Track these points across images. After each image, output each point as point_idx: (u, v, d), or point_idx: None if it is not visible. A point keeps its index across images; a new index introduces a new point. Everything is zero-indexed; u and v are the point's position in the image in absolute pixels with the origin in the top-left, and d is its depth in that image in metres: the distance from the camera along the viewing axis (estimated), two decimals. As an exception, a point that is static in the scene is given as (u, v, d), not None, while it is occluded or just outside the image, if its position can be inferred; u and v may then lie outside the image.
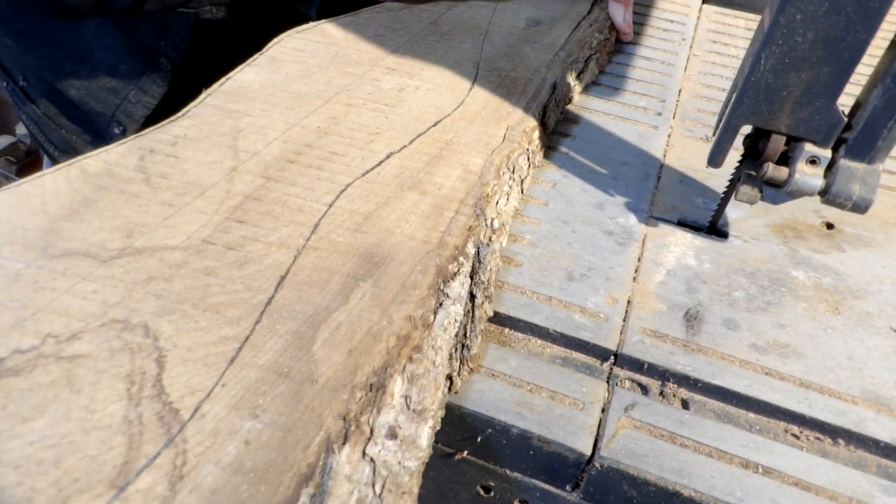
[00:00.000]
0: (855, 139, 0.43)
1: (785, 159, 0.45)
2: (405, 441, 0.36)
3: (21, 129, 2.22)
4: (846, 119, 0.43)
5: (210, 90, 0.56)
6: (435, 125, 0.55)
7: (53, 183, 0.45)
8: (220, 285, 0.40)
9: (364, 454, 0.34)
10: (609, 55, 0.76)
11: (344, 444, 0.33)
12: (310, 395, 0.34)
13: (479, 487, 0.45)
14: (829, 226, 0.55)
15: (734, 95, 0.44)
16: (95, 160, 0.47)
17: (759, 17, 0.91)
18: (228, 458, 0.31)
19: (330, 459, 0.32)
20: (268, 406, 0.33)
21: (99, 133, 0.95)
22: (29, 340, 0.35)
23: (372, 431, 0.34)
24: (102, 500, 0.29)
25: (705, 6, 0.93)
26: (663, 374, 0.42)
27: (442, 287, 0.41)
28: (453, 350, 0.41)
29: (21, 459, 0.30)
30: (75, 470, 0.30)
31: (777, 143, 0.44)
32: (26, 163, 2.23)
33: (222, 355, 0.36)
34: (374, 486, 0.33)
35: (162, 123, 0.52)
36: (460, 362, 0.42)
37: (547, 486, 0.42)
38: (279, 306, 0.39)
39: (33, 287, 0.38)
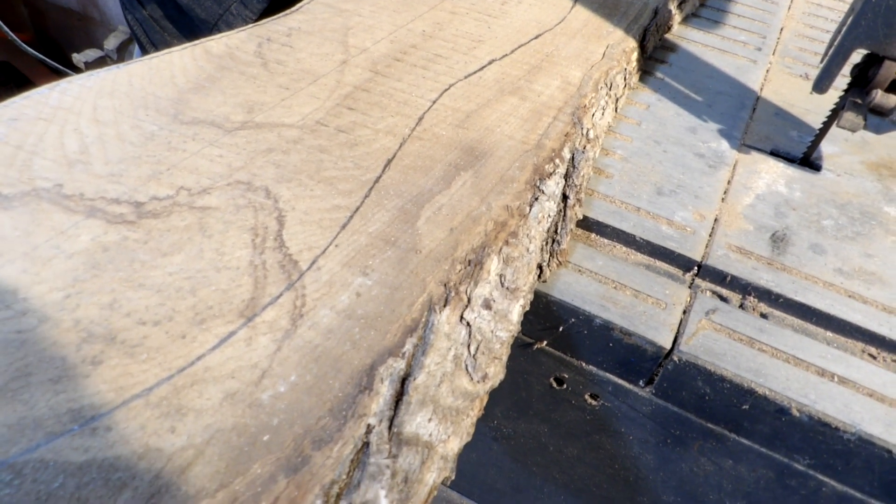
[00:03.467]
0: (973, 71, 0.42)
1: (894, 88, 0.45)
2: (498, 313, 0.38)
3: (108, 44, 2.30)
4: (967, 49, 0.42)
5: (321, -11, 0.58)
6: (536, 38, 0.56)
7: (181, 59, 0.48)
8: (332, 162, 0.42)
9: (462, 318, 0.36)
10: (711, -11, 0.75)
11: (444, 306, 0.35)
12: (414, 262, 0.37)
13: (552, 379, 0.47)
14: (928, 169, 0.54)
15: (850, 18, 0.43)
16: (218, 43, 0.50)
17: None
18: (342, 304, 0.34)
19: (432, 317, 0.35)
20: (376, 267, 0.36)
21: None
22: (165, 190, 0.39)
23: (469, 300, 0.37)
24: (234, 325, 0.32)
25: (814, -51, 0.89)
26: (745, 288, 0.43)
27: (538, 184, 0.43)
28: (545, 243, 0.43)
29: (162, 286, 0.34)
30: (209, 299, 0.33)
31: (889, 70, 0.44)
32: (112, 77, 2.31)
33: (335, 220, 0.39)
34: (469, 346, 0.36)
35: (277, 16, 0.54)
36: (551, 255, 0.44)
37: (620, 381, 0.44)
38: (386, 185, 0.41)
39: (166, 147, 0.42)
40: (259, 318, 0.33)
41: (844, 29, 0.44)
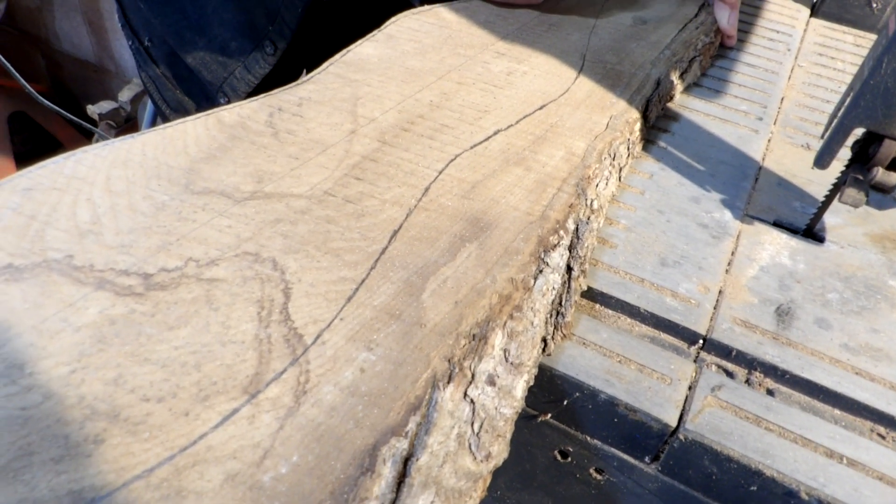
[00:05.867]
0: (971, 151, 0.43)
1: (895, 166, 0.45)
2: (502, 389, 0.38)
3: (123, 96, 2.36)
4: (964, 129, 0.42)
5: (332, 60, 0.60)
6: (541, 108, 0.57)
7: (194, 129, 0.50)
8: (339, 232, 0.43)
9: (465, 395, 0.36)
10: (713, 59, 0.76)
11: (448, 382, 0.35)
12: (419, 336, 0.37)
13: (556, 452, 0.47)
14: (931, 241, 0.54)
15: (849, 98, 0.44)
16: (230, 113, 0.52)
17: (867, 35, 0.89)
18: (346, 381, 0.34)
19: (436, 394, 0.34)
20: (381, 341, 0.36)
21: (208, 98, 1.02)
22: (174, 262, 0.39)
23: (473, 376, 0.37)
24: (237, 402, 0.32)
25: (813, 19, 0.91)
26: (751, 363, 0.43)
27: (543, 256, 0.44)
28: (549, 315, 0.44)
29: (167, 360, 0.34)
30: (214, 374, 0.34)
31: (889, 149, 0.44)
32: (125, 128, 2.37)
33: (341, 293, 0.39)
34: (472, 424, 0.36)
35: (289, 86, 0.56)
36: (555, 328, 0.44)
37: (625, 456, 0.43)
38: (392, 256, 0.42)
39: (177, 217, 0.42)
40: (262, 395, 0.33)
41: (844, 108, 0.45)
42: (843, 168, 0.48)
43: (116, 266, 0.38)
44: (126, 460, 0.29)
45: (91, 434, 0.30)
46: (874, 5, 0.87)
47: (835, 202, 0.50)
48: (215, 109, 0.52)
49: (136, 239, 0.40)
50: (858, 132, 0.46)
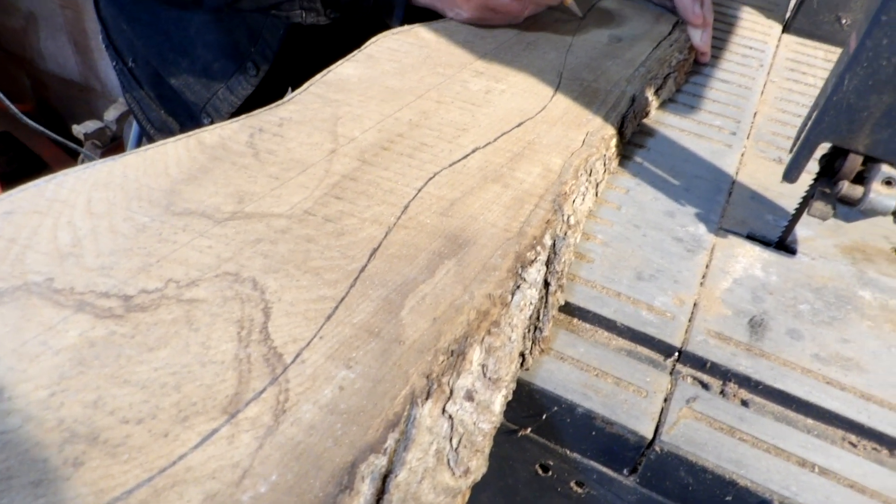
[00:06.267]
0: (933, 164, 0.44)
1: (860, 179, 0.47)
2: (480, 405, 0.38)
3: (108, 116, 2.36)
4: (925, 144, 0.44)
5: (312, 80, 0.61)
6: (518, 126, 0.58)
7: (175, 150, 0.50)
8: (319, 251, 0.43)
9: (444, 411, 0.37)
10: (687, 75, 0.78)
11: (427, 399, 0.36)
12: (397, 353, 0.37)
13: (537, 466, 0.47)
14: (900, 252, 0.55)
15: (814, 114, 0.46)
16: (211, 134, 0.52)
17: (837, 50, 0.91)
18: (325, 399, 0.35)
19: (414, 411, 0.35)
20: (360, 359, 0.37)
21: (192, 118, 1.02)
22: (154, 283, 0.40)
23: (451, 392, 0.37)
24: (217, 423, 0.33)
25: (785, 35, 0.94)
26: (725, 374, 0.44)
27: (520, 272, 0.44)
28: (527, 330, 0.44)
29: (147, 382, 0.34)
30: (193, 395, 0.34)
31: (854, 163, 0.46)
32: (111, 147, 2.36)
33: (320, 311, 0.39)
34: (451, 440, 0.36)
35: (270, 106, 0.56)
36: (532, 342, 0.45)
37: (604, 469, 0.44)
38: (371, 274, 0.42)
39: (157, 238, 0.43)
40: (242, 415, 0.33)
41: (809, 123, 0.46)
42: (812, 182, 0.50)
43: (97, 288, 0.38)
44: (105, 482, 0.29)
45: (70, 457, 0.30)
46: (843, 21, 0.89)
47: (805, 215, 0.51)
48: (196, 131, 0.52)
49: (117, 261, 0.40)
50: (825, 147, 0.47)
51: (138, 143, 1.48)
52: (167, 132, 1.05)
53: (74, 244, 0.41)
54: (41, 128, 1.80)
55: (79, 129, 2.21)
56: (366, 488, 0.31)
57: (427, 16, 0.75)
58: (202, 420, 0.33)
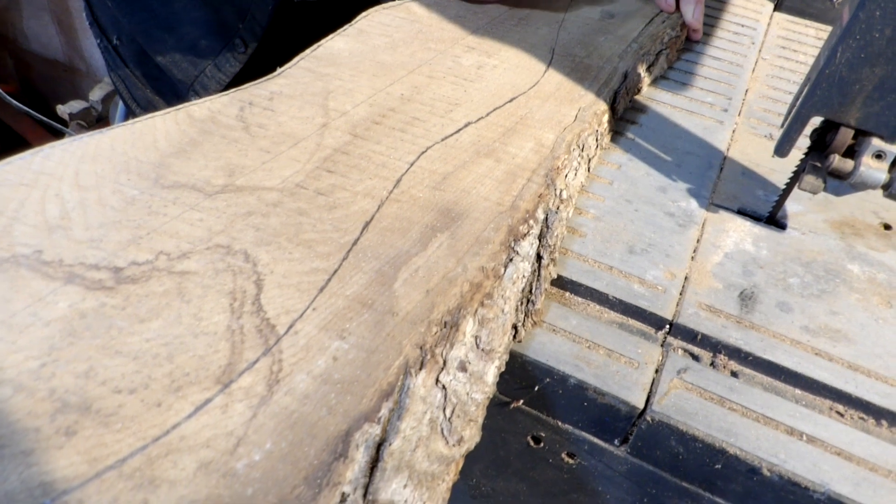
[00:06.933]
0: (923, 137, 0.44)
1: (851, 152, 0.47)
2: (473, 375, 0.39)
3: (94, 96, 2.32)
4: (916, 117, 0.44)
5: (303, 55, 0.60)
6: (511, 101, 0.58)
7: (164, 124, 0.50)
8: (311, 224, 0.43)
9: (437, 381, 0.37)
10: (679, 52, 0.78)
11: (420, 369, 0.36)
12: (391, 324, 0.37)
13: (529, 438, 0.48)
14: (887, 226, 0.56)
15: (806, 88, 0.46)
16: (201, 107, 0.52)
17: (828, 28, 0.91)
18: (318, 369, 0.34)
19: (408, 381, 0.35)
20: (353, 330, 0.37)
21: (179, 97, 1.01)
22: (144, 255, 0.39)
23: (445, 363, 0.37)
24: (210, 393, 0.33)
25: (776, 14, 0.93)
26: (715, 346, 0.44)
27: (513, 245, 0.44)
28: (520, 303, 0.44)
29: (139, 352, 0.34)
30: (186, 366, 0.34)
31: (845, 136, 0.46)
32: (96, 128, 2.33)
33: (313, 284, 0.39)
34: (444, 409, 0.37)
35: (259, 80, 0.56)
36: (525, 315, 0.45)
37: (595, 440, 0.44)
38: (364, 247, 0.42)
39: (147, 211, 0.42)
40: (235, 385, 0.33)
41: (801, 97, 0.46)
42: (803, 156, 0.50)
43: (86, 260, 0.38)
44: (98, 451, 0.29)
45: (62, 426, 0.30)
46: (834, 0, 0.89)
47: (796, 190, 0.51)
48: (185, 104, 0.52)
49: (106, 233, 0.40)
50: (816, 121, 0.47)
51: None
52: (153, 111, 1.03)
53: (63, 216, 0.41)
54: (25, 108, 1.77)
55: (63, 110, 2.18)
56: (360, 456, 0.31)
57: None
58: (195, 390, 0.33)
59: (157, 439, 0.30)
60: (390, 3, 0.71)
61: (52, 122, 1.84)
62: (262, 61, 0.97)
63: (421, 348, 0.37)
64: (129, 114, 1.11)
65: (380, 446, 0.32)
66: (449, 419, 0.37)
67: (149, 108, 1.05)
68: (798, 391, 0.43)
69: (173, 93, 1.02)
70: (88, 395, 0.31)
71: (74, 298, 0.36)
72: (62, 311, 0.35)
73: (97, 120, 2.33)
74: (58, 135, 2.43)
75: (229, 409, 0.32)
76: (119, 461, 0.29)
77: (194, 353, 0.34)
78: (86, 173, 0.44)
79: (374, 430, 0.32)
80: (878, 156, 0.46)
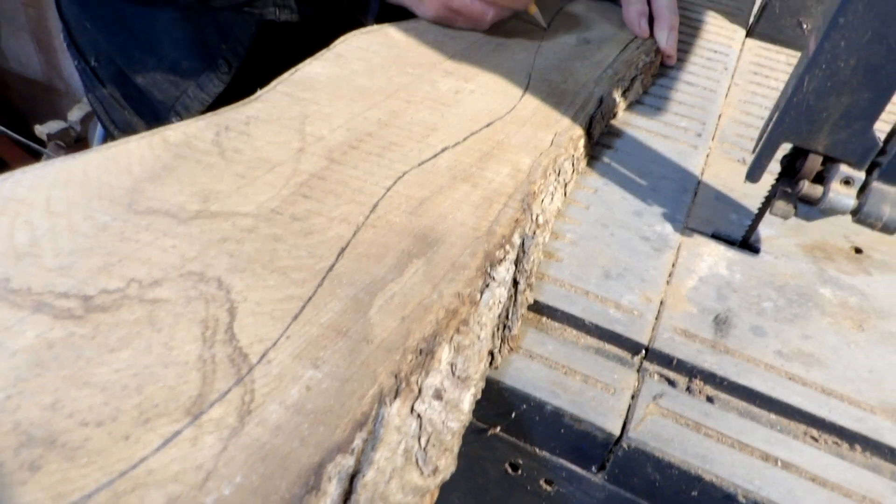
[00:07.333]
0: (889, 164, 0.45)
1: (820, 178, 0.48)
2: (449, 403, 0.38)
3: (72, 116, 2.30)
4: (881, 144, 0.45)
5: (280, 79, 0.60)
6: (488, 126, 0.58)
7: (138, 148, 0.49)
8: (286, 250, 0.43)
9: (412, 410, 0.36)
10: (654, 77, 0.79)
11: (395, 398, 0.36)
12: (366, 352, 0.37)
13: (507, 465, 0.47)
14: (858, 250, 0.57)
15: (776, 115, 0.47)
16: (176, 132, 0.51)
17: (799, 54, 0.93)
18: (291, 399, 0.34)
19: (382, 410, 0.35)
20: (327, 359, 0.37)
21: (159, 119, 1.01)
22: (115, 283, 0.39)
23: (420, 391, 0.37)
24: (180, 425, 0.32)
25: (748, 40, 0.95)
26: (691, 371, 0.45)
27: (489, 270, 0.44)
28: (496, 329, 0.44)
29: (108, 383, 0.33)
30: (155, 397, 0.33)
31: (814, 163, 0.47)
32: (75, 148, 2.31)
33: (287, 311, 0.39)
34: (419, 439, 0.36)
35: (236, 105, 0.56)
36: (501, 341, 0.45)
37: (573, 467, 0.44)
38: (340, 273, 0.42)
39: (119, 237, 0.42)
40: (206, 416, 0.33)
41: (771, 124, 0.47)
42: (774, 181, 0.50)
43: (55, 288, 0.37)
44: (63, 486, 0.29)
45: (27, 461, 0.29)
46: (805, 26, 0.91)
47: (768, 214, 0.52)
48: (160, 129, 0.51)
49: (77, 260, 0.39)
50: (786, 147, 0.48)
51: (103, 144, 1.45)
52: (131, 133, 1.02)
53: (32, 244, 0.40)
54: (2, 128, 1.75)
55: (41, 130, 2.15)
56: (332, 489, 0.31)
57: (400, 15, 0.75)
58: (164, 422, 0.32)
59: (123, 473, 0.29)
60: (368, 28, 0.71)
61: (29, 142, 1.82)
62: (245, 82, 0.97)
63: (396, 376, 0.36)
64: (108, 135, 1.10)
65: (353, 478, 0.32)
66: (424, 448, 0.36)
67: (127, 129, 1.05)
68: (773, 416, 0.43)
69: (153, 114, 1.02)
70: (54, 428, 0.31)
71: (42, 328, 0.35)
72: (29, 341, 0.34)
73: (76, 140, 2.31)
74: (36, 155, 2.40)
75: (199, 441, 0.31)
76: (84, 497, 0.28)
77: (164, 383, 0.34)
78: (57, 199, 0.44)
79: (348, 462, 0.32)
80: (847, 182, 0.46)
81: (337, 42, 0.68)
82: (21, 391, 0.32)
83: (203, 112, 0.97)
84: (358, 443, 0.33)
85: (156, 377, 0.34)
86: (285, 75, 0.61)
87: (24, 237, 0.40)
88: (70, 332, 0.35)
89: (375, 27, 0.73)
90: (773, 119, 0.47)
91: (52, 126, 2.25)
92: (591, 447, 0.42)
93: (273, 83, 0.60)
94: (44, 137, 2.23)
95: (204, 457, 0.31)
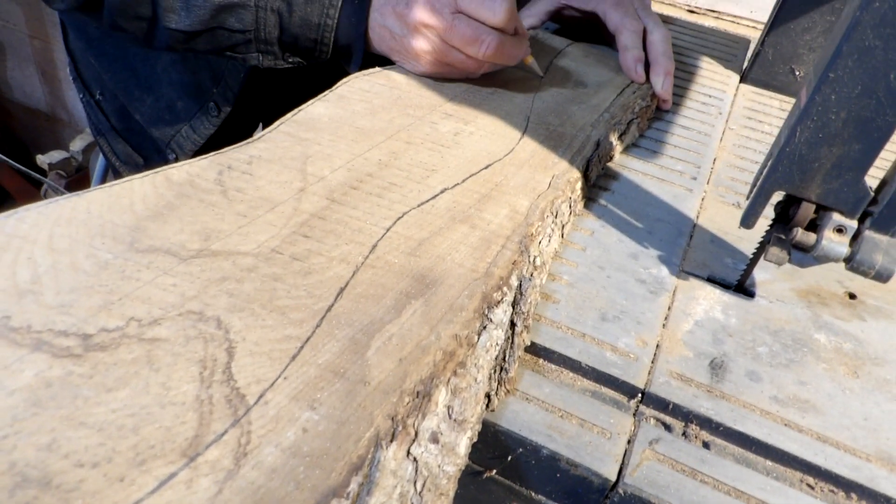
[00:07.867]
0: (880, 213, 0.46)
1: (813, 226, 0.48)
2: (446, 447, 0.38)
3: (74, 146, 2.33)
4: (873, 194, 0.46)
5: (283, 119, 0.62)
6: (486, 168, 0.59)
7: (141, 187, 0.50)
8: (285, 290, 0.43)
9: (409, 453, 0.36)
10: (650, 121, 0.81)
11: (391, 441, 0.36)
12: (363, 394, 0.37)
13: (502, 508, 0.47)
14: (852, 296, 0.57)
15: (769, 163, 0.48)
16: (179, 170, 0.52)
17: (792, 100, 0.95)
18: (288, 441, 0.34)
19: (378, 454, 0.35)
20: (324, 400, 0.37)
21: (159, 152, 1.02)
22: (115, 321, 0.39)
23: (416, 434, 0.37)
24: (175, 467, 0.32)
25: (742, 85, 0.97)
26: (687, 416, 0.45)
27: (486, 312, 0.45)
28: (493, 371, 0.44)
29: (104, 424, 0.33)
30: (151, 438, 0.33)
31: (807, 211, 0.47)
32: (75, 178, 2.33)
33: (285, 352, 0.39)
34: (415, 483, 0.36)
35: (239, 144, 0.57)
36: (498, 383, 0.45)
37: (569, 511, 0.44)
38: (338, 314, 0.42)
39: (120, 276, 0.42)
40: (202, 458, 0.33)
41: (765, 172, 0.48)
42: (768, 227, 0.51)
43: (55, 327, 0.38)
44: (56, 529, 0.28)
45: (21, 503, 0.29)
46: (797, 73, 0.93)
47: (762, 259, 0.52)
48: (164, 167, 0.52)
49: (77, 298, 0.40)
50: (780, 194, 0.49)
51: (104, 175, 1.46)
52: (133, 165, 1.04)
53: (34, 281, 0.40)
54: (3, 157, 1.76)
55: (43, 160, 2.17)
56: (327, 534, 0.31)
57: (386, 62, 0.76)
58: (160, 464, 0.32)
59: (117, 517, 0.29)
60: (370, 70, 0.73)
61: (30, 171, 1.83)
62: (238, 124, 0.99)
63: (392, 419, 0.36)
64: (109, 166, 1.11)
65: (348, 523, 0.32)
66: (420, 493, 0.36)
67: (129, 161, 1.06)
68: (769, 463, 0.43)
69: (153, 148, 1.03)
70: (50, 468, 0.31)
71: (41, 366, 0.35)
72: (27, 380, 0.34)
73: (77, 170, 2.33)
74: (37, 184, 2.41)
75: (194, 483, 0.31)
76: (77, 540, 0.28)
77: (161, 424, 0.34)
78: (60, 236, 0.44)
79: (343, 506, 0.32)
80: (839, 230, 0.47)
81: (339, 83, 0.70)
82: (17, 431, 0.32)
83: (196, 152, 0.98)
84: (353, 487, 0.33)
85: (153, 417, 0.34)
86: (288, 116, 0.62)
87: (26, 274, 0.41)
88: (68, 370, 0.35)
89: (377, 69, 0.74)
90: (767, 167, 0.48)
91: (54, 156, 2.27)
92: (587, 492, 0.42)
93: (276, 123, 0.61)
94: (45, 167, 2.25)
95: (199, 500, 0.30)
